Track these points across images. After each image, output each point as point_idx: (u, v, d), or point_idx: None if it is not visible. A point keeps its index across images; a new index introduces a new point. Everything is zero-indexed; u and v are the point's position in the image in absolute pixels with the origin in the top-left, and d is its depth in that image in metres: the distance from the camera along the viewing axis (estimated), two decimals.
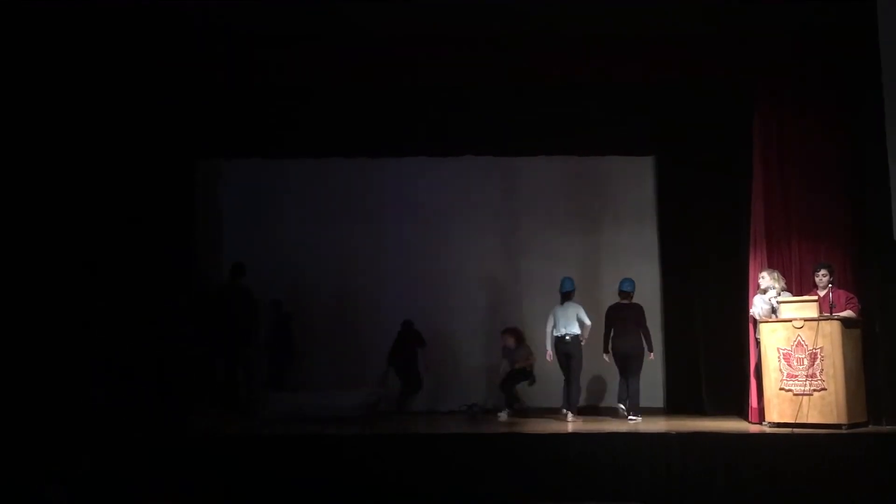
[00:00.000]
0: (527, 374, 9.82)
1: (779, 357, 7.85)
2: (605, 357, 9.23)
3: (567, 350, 9.03)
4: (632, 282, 9.30)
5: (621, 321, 9.13)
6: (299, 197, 11.08)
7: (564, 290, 9.23)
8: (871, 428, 7.72)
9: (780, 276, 8.27)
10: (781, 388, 7.81)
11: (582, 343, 9.14)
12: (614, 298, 9.40)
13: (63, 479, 6.91)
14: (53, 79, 8.65)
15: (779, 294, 8.15)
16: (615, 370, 9.37)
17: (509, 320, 10.43)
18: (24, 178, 8.61)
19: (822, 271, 8.09)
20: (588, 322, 9.15)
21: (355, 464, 7.27)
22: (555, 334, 9.11)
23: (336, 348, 10.72)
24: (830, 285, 7.97)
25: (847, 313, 7.85)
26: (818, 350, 7.64)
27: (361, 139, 10.42)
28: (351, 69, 8.76)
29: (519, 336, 9.88)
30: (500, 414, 9.45)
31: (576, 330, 9.08)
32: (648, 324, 9.34)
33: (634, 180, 11.01)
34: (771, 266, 8.42)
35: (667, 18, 8.31)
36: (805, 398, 7.65)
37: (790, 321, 7.82)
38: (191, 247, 10.42)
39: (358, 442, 7.58)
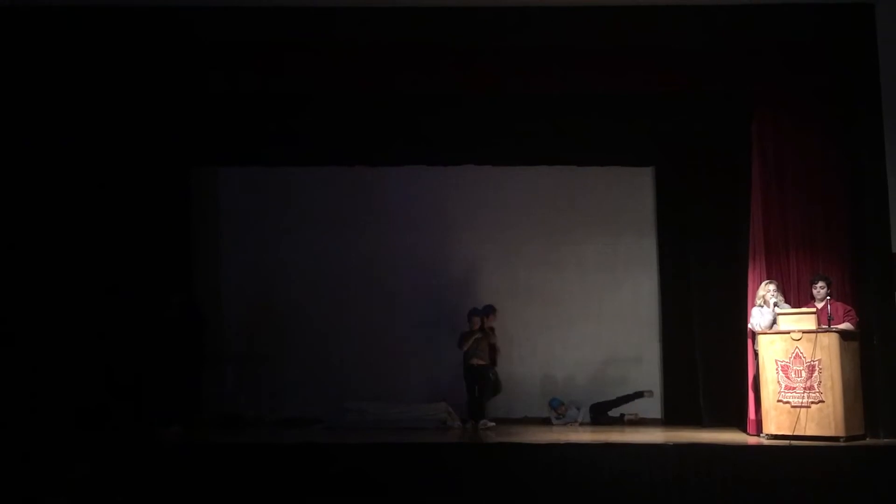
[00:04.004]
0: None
1: (777, 369, 7.82)
2: None
3: None
4: None
5: None
6: (296, 205, 11.01)
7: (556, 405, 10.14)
8: (868, 440, 7.69)
9: (777, 288, 8.24)
10: (779, 400, 7.78)
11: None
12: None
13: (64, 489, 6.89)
14: (50, 84, 8.64)
15: (776, 305, 8.12)
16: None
17: (508, 329, 10.41)
18: (18, 183, 8.60)
19: (820, 283, 8.06)
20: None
21: (349, 473, 7.23)
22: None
23: (331, 357, 10.66)
24: (828, 297, 7.94)
25: (845, 326, 7.83)
26: (816, 362, 7.62)
27: (359, 147, 10.40)
28: (347, 76, 8.75)
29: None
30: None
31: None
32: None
33: (633, 190, 10.98)
34: (770, 277, 8.39)
35: (665, 29, 8.33)
36: (803, 410, 7.62)
37: (788, 333, 7.80)
38: (187, 255, 10.40)
39: (351, 451, 7.55)
